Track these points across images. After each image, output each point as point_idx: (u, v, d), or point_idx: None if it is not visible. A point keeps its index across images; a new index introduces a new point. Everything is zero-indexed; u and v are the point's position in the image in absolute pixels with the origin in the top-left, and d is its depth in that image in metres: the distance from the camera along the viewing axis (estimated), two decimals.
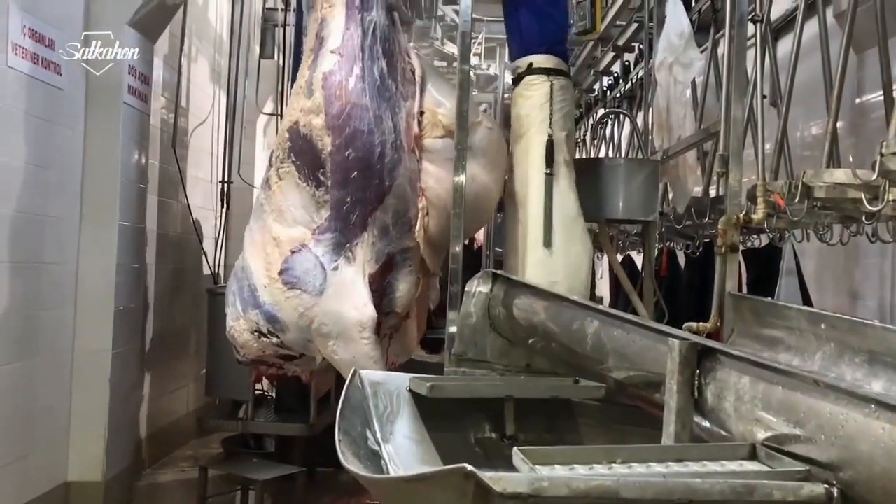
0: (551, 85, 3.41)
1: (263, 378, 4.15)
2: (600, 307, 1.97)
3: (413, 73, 3.25)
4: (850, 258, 4.55)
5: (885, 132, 2.53)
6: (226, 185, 6.03)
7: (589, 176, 3.46)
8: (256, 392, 5.20)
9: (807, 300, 4.62)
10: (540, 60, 3.46)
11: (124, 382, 4.77)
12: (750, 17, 2.68)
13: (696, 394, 1.54)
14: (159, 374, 5.66)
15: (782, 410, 1.34)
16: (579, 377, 2.05)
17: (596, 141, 6.27)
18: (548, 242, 3.26)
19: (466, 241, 6.53)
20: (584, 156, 6.01)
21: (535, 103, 3.42)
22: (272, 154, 3.33)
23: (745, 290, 5.02)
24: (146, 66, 5.07)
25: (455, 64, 7.50)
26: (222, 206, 6.04)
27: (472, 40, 8.15)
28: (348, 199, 3.06)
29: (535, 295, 2.26)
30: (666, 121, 3.47)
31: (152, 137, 5.46)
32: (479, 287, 2.56)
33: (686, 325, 2.65)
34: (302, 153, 3.13)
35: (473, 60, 7.59)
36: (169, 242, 5.90)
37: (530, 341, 2.32)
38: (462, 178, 3.10)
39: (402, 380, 2.01)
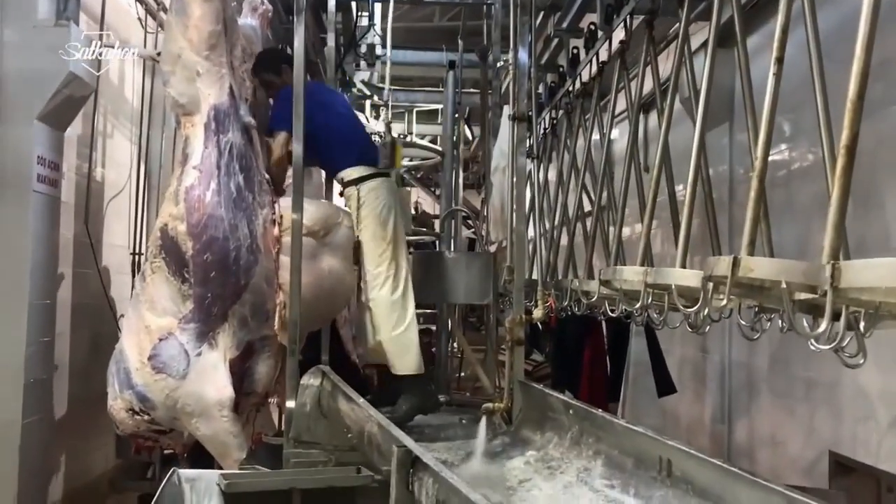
0: (358, 192, 3.95)
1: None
2: (373, 411, 2.47)
3: (269, 184, 3.77)
4: None
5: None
6: (136, 255, 6.42)
7: (435, 267, 4.02)
8: (166, 452, 5.60)
9: (657, 357, 5.18)
10: (348, 173, 4.02)
11: (35, 450, 5.11)
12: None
13: (409, 487, 2.03)
14: (75, 438, 6.00)
15: None
16: (365, 466, 2.54)
17: None
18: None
19: None
20: None
21: (352, 208, 4.00)
22: (148, 249, 3.80)
23: (605, 346, 5.60)
24: (56, 154, 5.47)
25: None
26: (133, 276, 6.42)
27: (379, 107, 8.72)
28: (209, 295, 3.55)
29: (345, 397, 2.75)
30: (500, 217, 4.01)
31: (68, 213, 5.87)
32: (311, 381, 3.05)
33: (484, 406, 3.18)
34: (170, 252, 3.63)
35: (380, 127, 8.12)
36: (85, 312, 6.27)
37: (345, 430, 2.81)
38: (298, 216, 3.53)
39: (213, 476, 2.47)
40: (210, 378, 3.53)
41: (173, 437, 3.93)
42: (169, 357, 3.57)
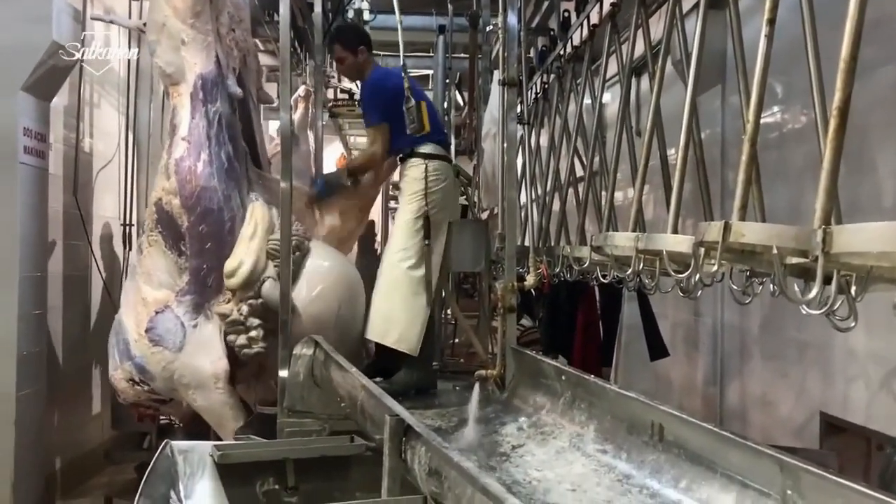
0: (426, 166, 3.95)
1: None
2: (365, 380, 2.46)
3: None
4: None
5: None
6: (126, 227, 6.38)
7: None
8: (162, 421, 5.62)
9: (649, 322, 5.18)
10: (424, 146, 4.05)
11: (31, 423, 5.12)
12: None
13: (402, 455, 2.03)
14: (70, 410, 6.02)
15: (436, 474, 1.84)
16: (358, 435, 2.54)
17: None
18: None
19: None
20: None
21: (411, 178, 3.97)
22: (144, 222, 3.80)
23: (598, 312, 5.61)
24: (42, 125, 5.41)
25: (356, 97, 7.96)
26: (124, 248, 6.39)
27: None
28: (204, 266, 3.55)
29: (337, 366, 2.75)
30: (491, 183, 3.98)
31: (56, 185, 5.82)
32: (304, 350, 3.05)
33: (477, 372, 3.19)
34: (166, 226, 3.62)
35: None
36: (76, 284, 6.25)
37: (338, 399, 2.81)
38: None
39: (206, 447, 2.48)
40: (206, 350, 3.55)
41: (173, 406, 4.00)
42: (165, 330, 3.59)
